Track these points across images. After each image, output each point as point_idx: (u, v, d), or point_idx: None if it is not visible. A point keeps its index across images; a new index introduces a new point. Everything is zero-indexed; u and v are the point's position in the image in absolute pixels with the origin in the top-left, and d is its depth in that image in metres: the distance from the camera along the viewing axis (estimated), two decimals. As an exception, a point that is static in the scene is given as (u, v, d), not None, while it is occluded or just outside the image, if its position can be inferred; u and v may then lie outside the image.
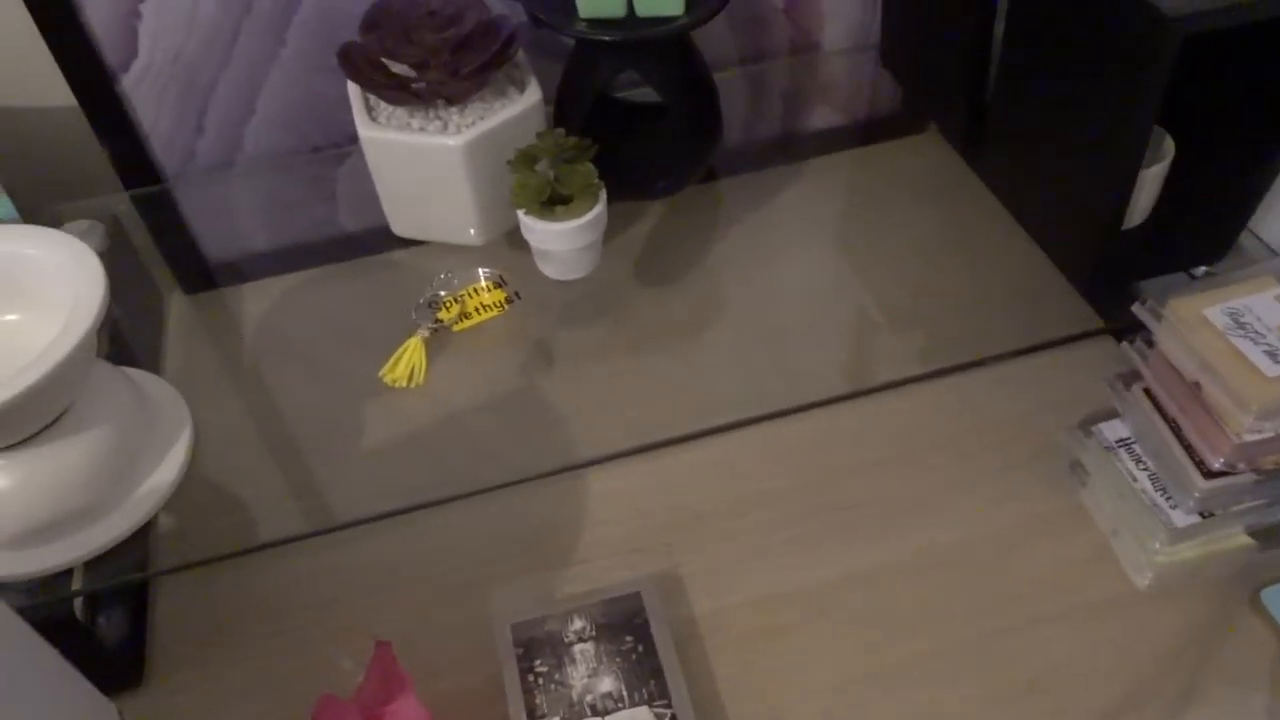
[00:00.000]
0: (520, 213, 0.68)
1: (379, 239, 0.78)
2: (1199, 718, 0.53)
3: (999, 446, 0.66)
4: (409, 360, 0.67)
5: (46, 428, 0.56)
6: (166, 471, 0.61)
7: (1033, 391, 0.68)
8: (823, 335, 0.72)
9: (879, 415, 0.67)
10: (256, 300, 0.78)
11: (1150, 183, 0.68)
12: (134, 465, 0.60)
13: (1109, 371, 0.63)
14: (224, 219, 0.86)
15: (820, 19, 0.89)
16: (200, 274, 0.83)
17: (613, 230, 0.74)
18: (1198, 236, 0.71)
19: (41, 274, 0.57)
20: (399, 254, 0.78)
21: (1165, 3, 0.54)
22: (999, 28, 0.70)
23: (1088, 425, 0.64)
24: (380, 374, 0.67)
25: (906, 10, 0.83)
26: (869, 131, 0.92)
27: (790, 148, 0.90)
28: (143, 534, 0.61)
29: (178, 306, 0.80)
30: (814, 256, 0.78)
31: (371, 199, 0.75)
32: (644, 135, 0.82)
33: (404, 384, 0.67)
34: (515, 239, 0.72)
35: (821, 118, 0.92)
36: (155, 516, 0.61)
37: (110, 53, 0.76)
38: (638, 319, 0.73)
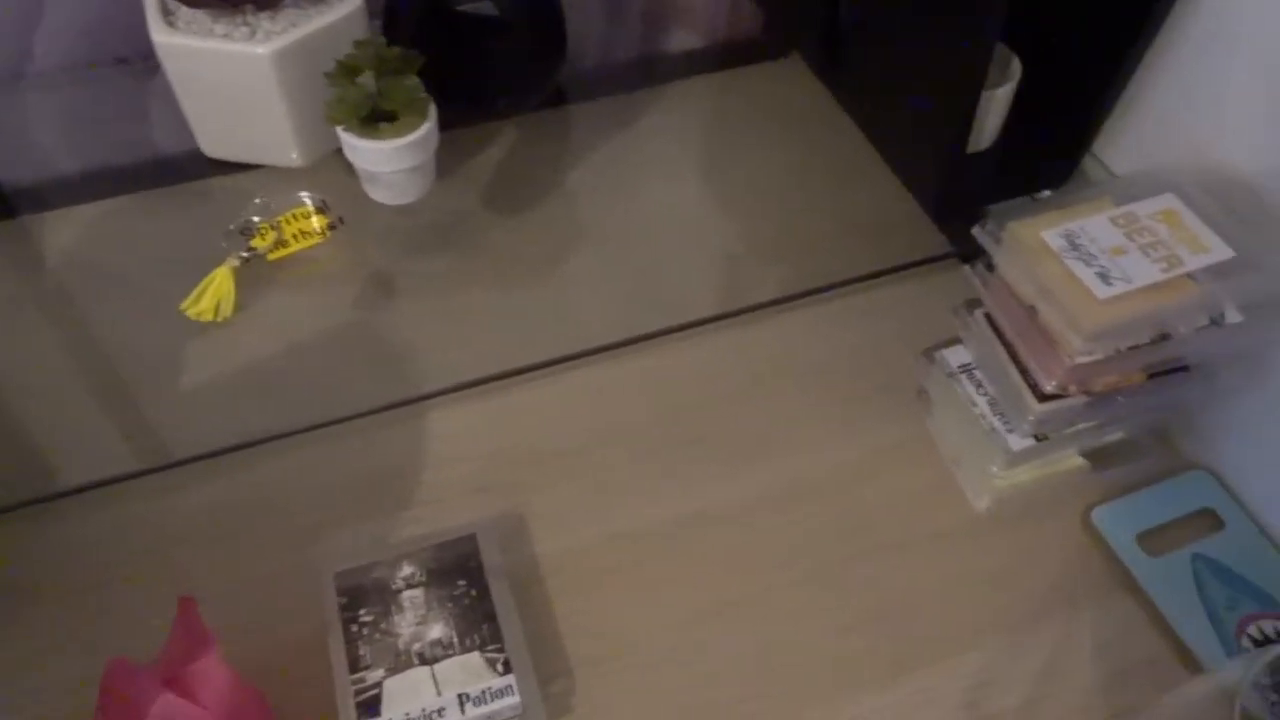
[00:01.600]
0: (340, 130, 0.62)
1: (193, 163, 0.71)
2: (1037, 633, 0.54)
3: (851, 377, 0.65)
4: (215, 292, 0.61)
5: None
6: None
7: (883, 320, 0.67)
8: (678, 265, 0.69)
9: (730, 347, 0.65)
10: (56, 231, 0.70)
11: (996, 104, 0.67)
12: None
13: (957, 299, 0.62)
14: (14, 139, 0.76)
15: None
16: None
17: (458, 156, 0.69)
18: (1044, 160, 0.71)
19: None
20: (215, 180, 0.71)
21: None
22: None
23: (932, 352, 0.64)
24: (181, 307, 0.61)
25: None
26: (729, 56, 0.88)
27: (647, 71, 0.86)
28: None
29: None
30: (671, 185, 0.75)
31: (184, 117, 0.68)
32: (484, 51, 0.76)
33: (210, 318, 0.61)
34: (345, 160, 0.66)
35: (679, 41, 0.88)
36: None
37: None
38: (485, 249, 0.69)
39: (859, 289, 0.68)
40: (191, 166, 0.71)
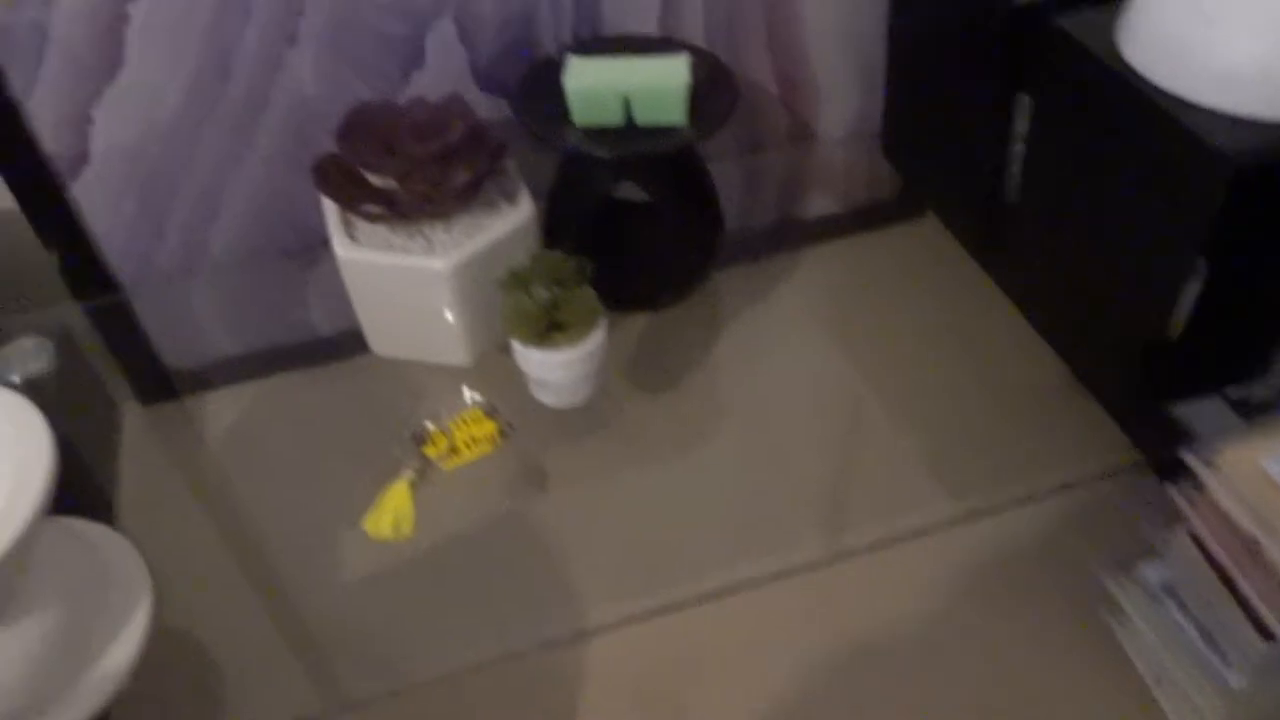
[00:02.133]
0: (514, 341, 0.63)
1: (354, 343, 0.73)
2: None
3: (1028, 588, 0.61)
4: (394, 509, 0.61)
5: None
6: (121, 652, 0.54)
7: (1062, 525, 0.64)
8: (830, 456, 0.68)
9: (899, 564, 0.63)
10: (220, 411, 0.73)
11: (1185, 299, 0.64)
12: (84, 650, 0.53)
13: (1139, 497, 0.59)
14: (185, 325, 0.79)
15: (817, 107, 0.85)
16: (158, 383, 0.77)
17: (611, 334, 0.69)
18: (1230, 352, 0.67)
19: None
20: (381, 370, 0.73)
21: (1217, 138, 0.51)
22: (1020, 125, 0.66)
23: (1126, 565, 0.60)
24: (363, 524, 0.61)
25: (913, 101, 0.79)
26: (867, 218, 0.88)
27: (786, 236, 0.86)
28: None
29: (134, 421, 0.73)
30: (816, 358, 0.74)
31: (347, 302, 0.69)
32: (641, 241, 0.77)
33: (388, 536, 0.61)
34: (503, 349, 0.67)
35: (819, 205, 0.88)
36: (108, 711, 0.54)
37: (59, 159, 0.70)
38: (636, 432, 0.69)
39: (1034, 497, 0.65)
40: (357, 348, 0.72)
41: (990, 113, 0.67)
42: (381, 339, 0.70)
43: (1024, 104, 0.64)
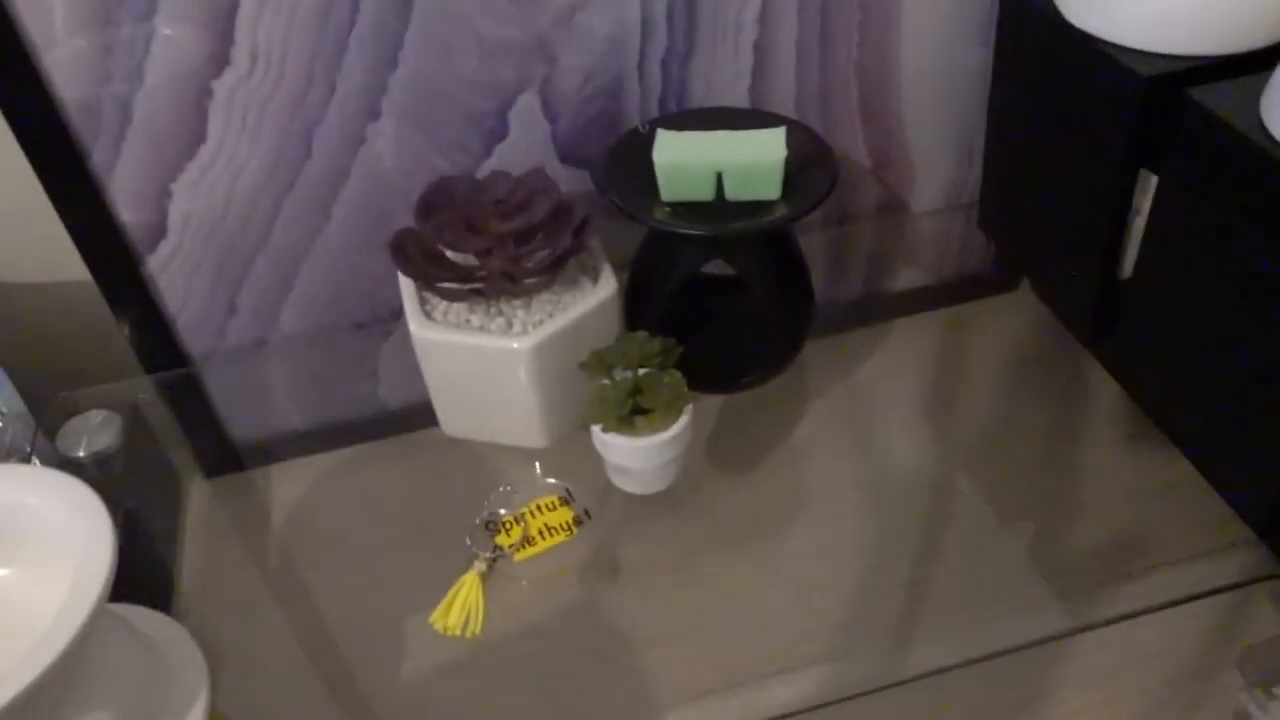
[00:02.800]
0: (595, 427, 0.59)
1: (424, 418, 0.70)
2: None
3: (1155, 702, 0.55)
4: (464, 603, 0.57)
5: None
6: (177, 758, 0.51)
7: (1189, 641, 0.58)
8: (922, 552, 0.62)
9: (995, 681, 0.57)
10: (286, 484, 0.70)
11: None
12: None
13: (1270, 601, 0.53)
14: (253, 399, 0.78)
15: (911, 180, 0.81)
16: (224, 456, 0.75)
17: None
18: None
19: (41, 526, 0.48)
20: (453, 450, 0.70)
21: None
22: (1142, 200, 0.62)
23: (1268, 682, 0.54)
24: (431, 620, 0.57)
25: (1015, 174, 0.75)
26: (960, 291, 0.83)
27: (874, 310, 0.82)
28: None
29: (199, 495, 0.71)
30: (906, 441, 0.69)
31: (418, 375, 0.67)
32: (724, 318, 0.73)
33: (456, 633, 0.57)
34: (581, 432, 0.63)
35: (908, 279, 0.84)
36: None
37: (136, 233, 0.69)
38: (715, 518, 0.64)
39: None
40: (427, 422, 0.69)
41: (1109, 186, 0.62)
42: (454, 420, 0.67)
43: (1148, 181, 0.60)
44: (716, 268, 0.72)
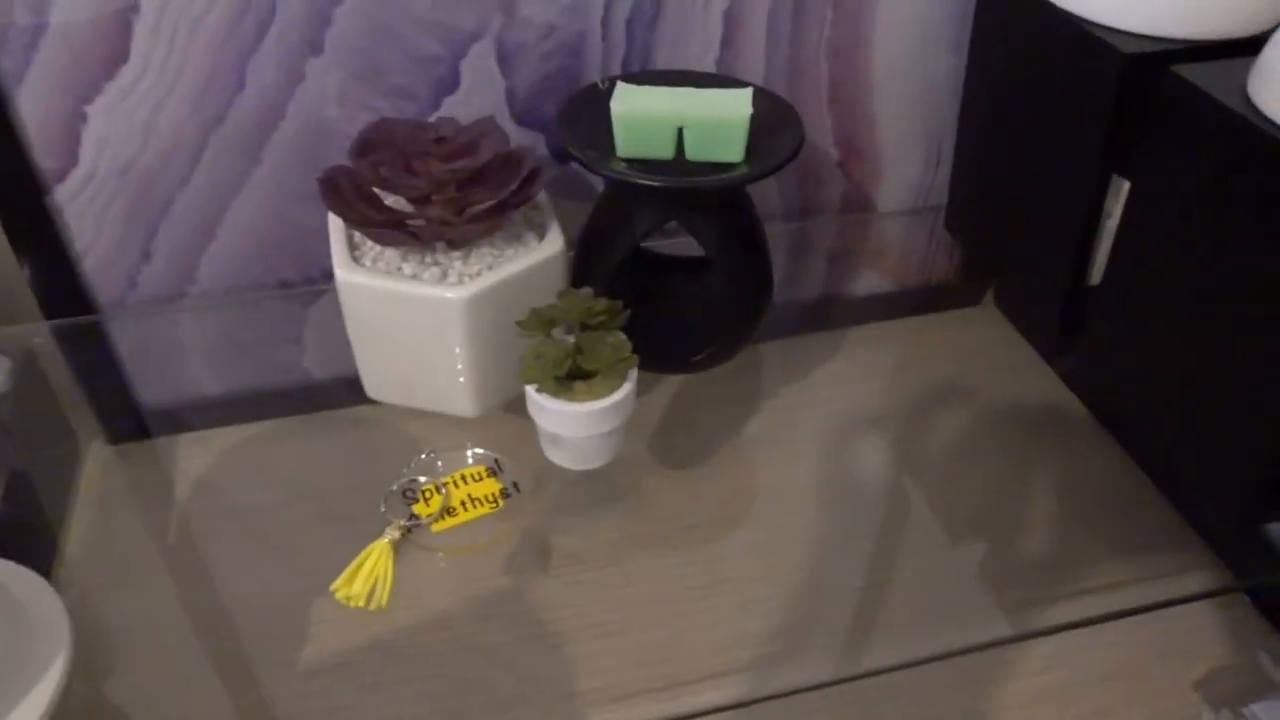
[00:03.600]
0: (530, 388, 0.54)
1: (352, 392, 0.64)
2: None
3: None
4: (370, 573, 0.52)
5: None
6: (27, 715, 0.44)
7: (1141, 653, 0.54)
8: (868, 559, 0.58)
9: (934, 688, 0.53)
10: (195, 455, 0.64)
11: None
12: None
13: (1235, 623, 0.49)
14: (165, 358, 0.71)
15: (878, 176, 0.79)
16: (129, 420, 0.68)
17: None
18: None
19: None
20: (372, 410, 0.64)
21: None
22: (1114, 204, 0.59)
23: (1238, 708, 0.50)
24: (333, 588, 0.51)
25: (986, 171, 0.72)
26: (921, 301, 0.81)
27: (833, 312, 0.79)
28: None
29: (96, 460, 0.65)
30: (862, 444, 0.65)
31: (347, 345, 0.61)
32: (678, 295, 0.69)
33: (360, 604, 0.51)
34: (515, 405, 0.58)
35: (870, 283, 0.81)
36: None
37: (43, 156, 0.63)
38: (654, 511, 0.59)
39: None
40: (349, 400, 0.64)
41: (1082, 186, 0.60)
42: (379, 382, 0.62)
43: (1120, 185, 0.57)
44: (675, 249, 0.69)
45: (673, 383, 0.68)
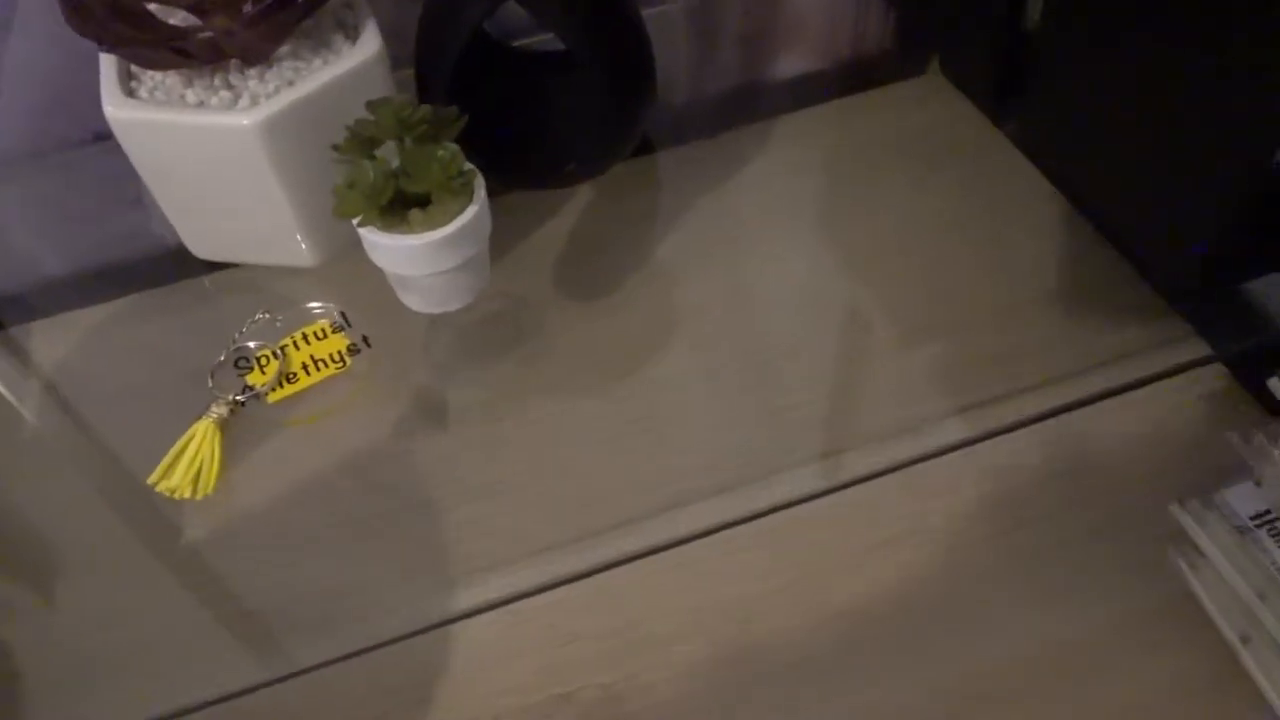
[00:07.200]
0: (357, 226, 0.45)
1: (180, 262, 0.55)
2: None
3: (1069, 522, 0.45)
4: (192, 459, 0.44)
5: None
6: None
7: (1110, 439, 0.48)
8: (813, 371, 0.51)
9: (894, 498, 0.46)
10: (45, 344, 0.55)
11: None
12: None
13: (1206, 395, 0.43)
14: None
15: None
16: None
17: (514, 224, 0.52)
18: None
19: None
20: (208, 279, 0.56)
21: None
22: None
23: (1202, 491, 0.44)
24: (149, 481, 0.44)
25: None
26: (854, 77, 0.70)
27: (753, 104, 0.68)
28: None
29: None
30: (795, 251, 0.56)
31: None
32: (546, 98, 0.59)
33: (186, 495, 0.44)
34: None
35: (794, 64, 0.70)
36: None
37: None
38: (549, 351, 0.52)
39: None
40: (185, 267, 0.55)
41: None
42: (196, 237, 0.53)
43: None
44: (542, 45, 0.58)
45: (574, 205, 0.58)
